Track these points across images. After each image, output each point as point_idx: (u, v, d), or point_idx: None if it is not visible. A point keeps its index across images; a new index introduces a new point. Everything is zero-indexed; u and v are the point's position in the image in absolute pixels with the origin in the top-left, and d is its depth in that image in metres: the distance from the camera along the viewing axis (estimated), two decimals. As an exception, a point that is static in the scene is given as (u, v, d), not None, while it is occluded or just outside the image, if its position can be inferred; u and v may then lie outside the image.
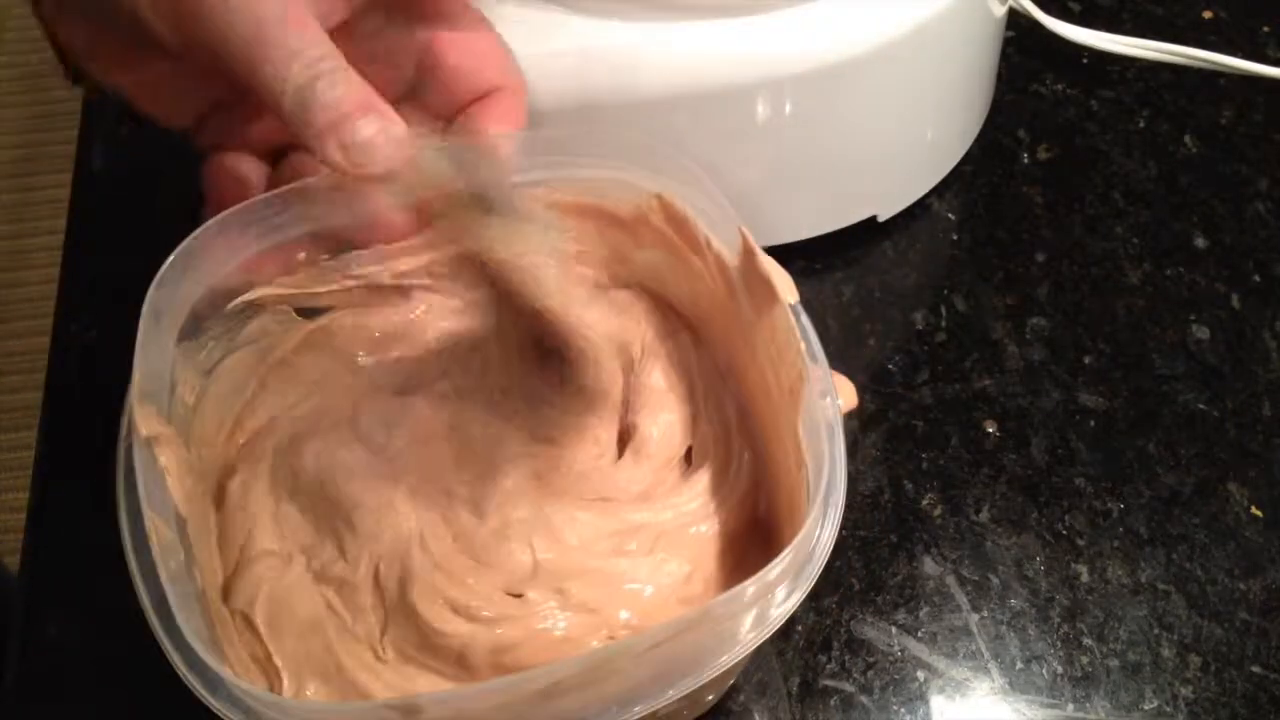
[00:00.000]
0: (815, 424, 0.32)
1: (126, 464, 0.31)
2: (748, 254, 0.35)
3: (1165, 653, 0.41)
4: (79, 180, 0.51)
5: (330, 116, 0.33)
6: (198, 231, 0.34)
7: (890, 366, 0.47)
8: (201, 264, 0.34)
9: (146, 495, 0.30)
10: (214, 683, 0.27)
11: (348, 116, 0.33)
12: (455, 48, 0.37)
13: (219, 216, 0.34)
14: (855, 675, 0.40)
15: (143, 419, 0.31)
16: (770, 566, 0.29)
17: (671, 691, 0.29)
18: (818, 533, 0.31)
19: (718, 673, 0.29)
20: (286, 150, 0.39)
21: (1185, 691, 0.40)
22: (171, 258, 0.33)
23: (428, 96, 0.38)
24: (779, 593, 0.30)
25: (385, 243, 0.38)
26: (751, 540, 0.36)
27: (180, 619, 0.28)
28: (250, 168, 0.38)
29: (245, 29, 0.32)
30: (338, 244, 0.37)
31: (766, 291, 0.35)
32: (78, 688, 0.39)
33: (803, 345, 0.33)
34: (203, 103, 0.38)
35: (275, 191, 0.35)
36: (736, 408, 0.38)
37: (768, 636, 0.30)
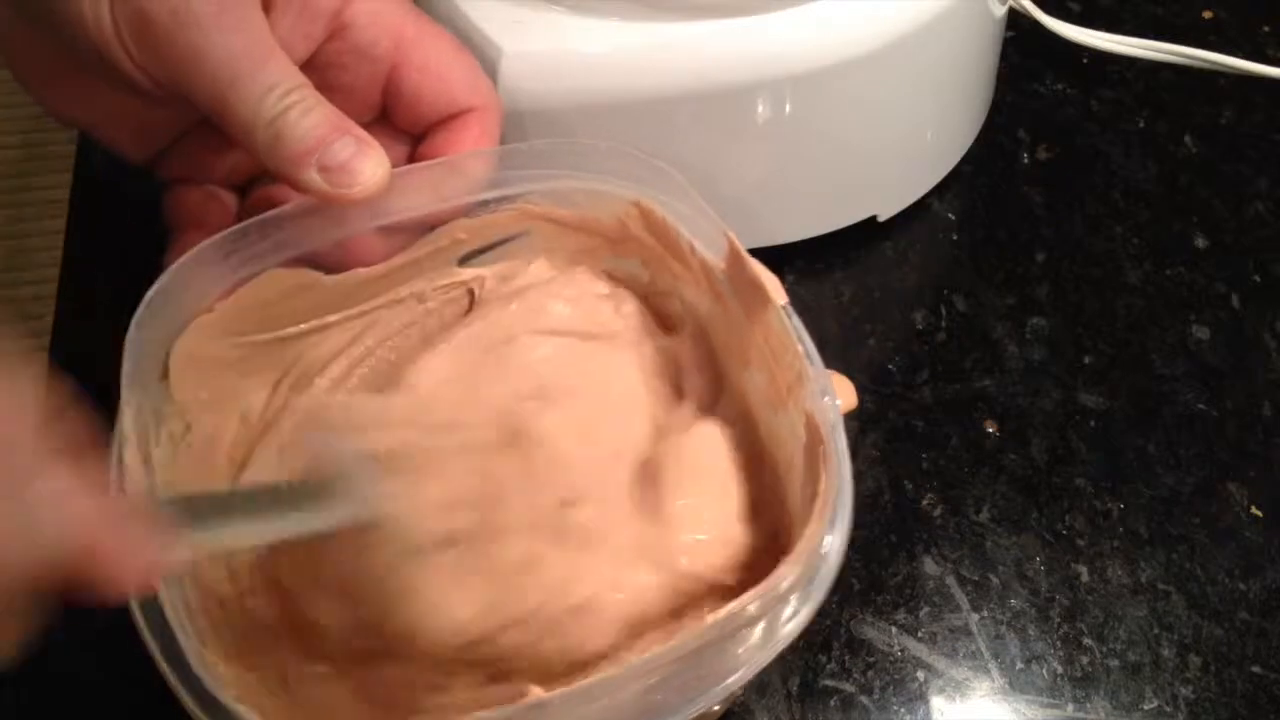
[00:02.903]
0: (816, 424, 0.32)
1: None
2: (735, 258, 0.35)
3: (1165, 653, 0.41)
4: (79, 180, 0.51)
5: (306, 144, 0.33)
6: (176, 264, 0.33)
7: (890, 366, 0.47)
8: (182, 298, 0.34)
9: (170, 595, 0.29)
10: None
11: (323, 141, 0.33)
12: (418, 72, 0.37)
13: (196, 249, 0.34)
14: (855, 675, 0.40)
15: (132, 462, 0.31)
16: (778, 577, 0.29)
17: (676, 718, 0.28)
18: (828, 539, 0.30)
19: (724, 695, 0.29)
20: (253, 182, 0.39)
21: (1185, 691, 0.40)
22: (150, 294, 0.33)
23: (395, 121, 0.38)
24: (792, 601, 0.29)
25: (364, 265, 0.38)
26: (767, 545, 0.36)
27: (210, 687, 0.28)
28: (218, 200, 0.38)
29: (218, 66, 0.32)
30: (316, 269, 0.37)
31: (757, 294, 0.34)
32: (78, 683, 0.39)
33: (799, 346, 0.33)
34: (165, 136, 0.38)
35: (251, 220, 0.35)
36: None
37: (778, 653, 0.29)
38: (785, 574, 0.29)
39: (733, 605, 0.29)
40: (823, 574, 0.30)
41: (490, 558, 0.32)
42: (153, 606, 0.28)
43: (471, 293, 0.40)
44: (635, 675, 0.28)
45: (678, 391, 0.39)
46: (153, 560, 0.26)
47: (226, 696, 0.27)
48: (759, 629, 0.29)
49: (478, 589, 0.32)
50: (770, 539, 0.36)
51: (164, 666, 0.28)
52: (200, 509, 0.29)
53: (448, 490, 0.32)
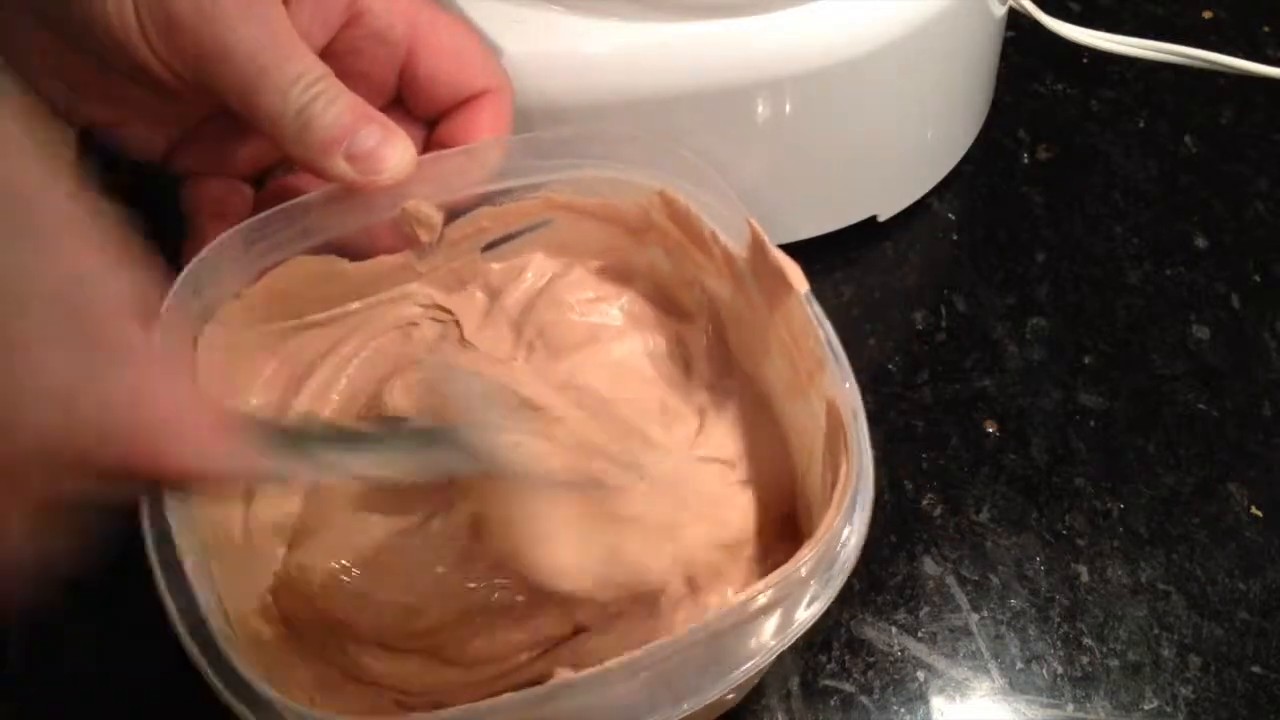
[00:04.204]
0: (838, 411, 0.32)
1: (153, 509, 0.30)
2: (758, 246, 0.35)
3: (1165, 653, 0.41)
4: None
5: (332, 133, 0.33)
6: (203, 253, 0.34)
7: (890, 366, 0.47)
8: (209, 285, 0.34)
9: (182, 542, 0.30)
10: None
11: (349, 130, 0.33)
12: (433, 56, 0.37)
13: (221, 237, 0.34)
14: (855, 675, 0.40)
15: None
16: (799, 559, 0.30)
17: (686, 705, 0.29)
18: (848, 526, 0.31)
19: (743, 678, 0.29)
20: (268, 173, 0.39)
21: (1185, 691, 0.40)
22: (178, 282, 0.33)
23: (411, 105, 0.38)
24: (811, 586, 0.30)
25: (387, 252, 0.38)
26: (783, 533, 0.37)
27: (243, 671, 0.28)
28: (236, 192, 0.38)
29: (244, 59, 0.33)
30: (339, 255, 0.37)
31: (779, 282, 0.35)
32: (80, 682, 0.39)
33: (821, 332, 0.34)
34: (179, 130, 0.38)
35: (276, 209, 0.35)
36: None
37: (797, 637, 0.30)
38: (806, 556, 0.30)
39: (755, 587, 0.29)
40: (842, 559, 0.30)
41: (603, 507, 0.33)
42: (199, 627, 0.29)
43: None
44: (657, 657, 0.29)
45: (687, 373, 0.39)
46: (215, 453, 0.25)
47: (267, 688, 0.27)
48: (777, 615, 0.30)
49: (594, 538, 0.32)
50: (787, 528, 0.37)
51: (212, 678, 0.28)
52: (300, 433, 0.29)
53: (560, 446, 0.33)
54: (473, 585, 0.34)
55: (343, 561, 0.34)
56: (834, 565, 0.30)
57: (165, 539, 0.29)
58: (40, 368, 0.21)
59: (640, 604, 0.34)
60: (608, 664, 0.28)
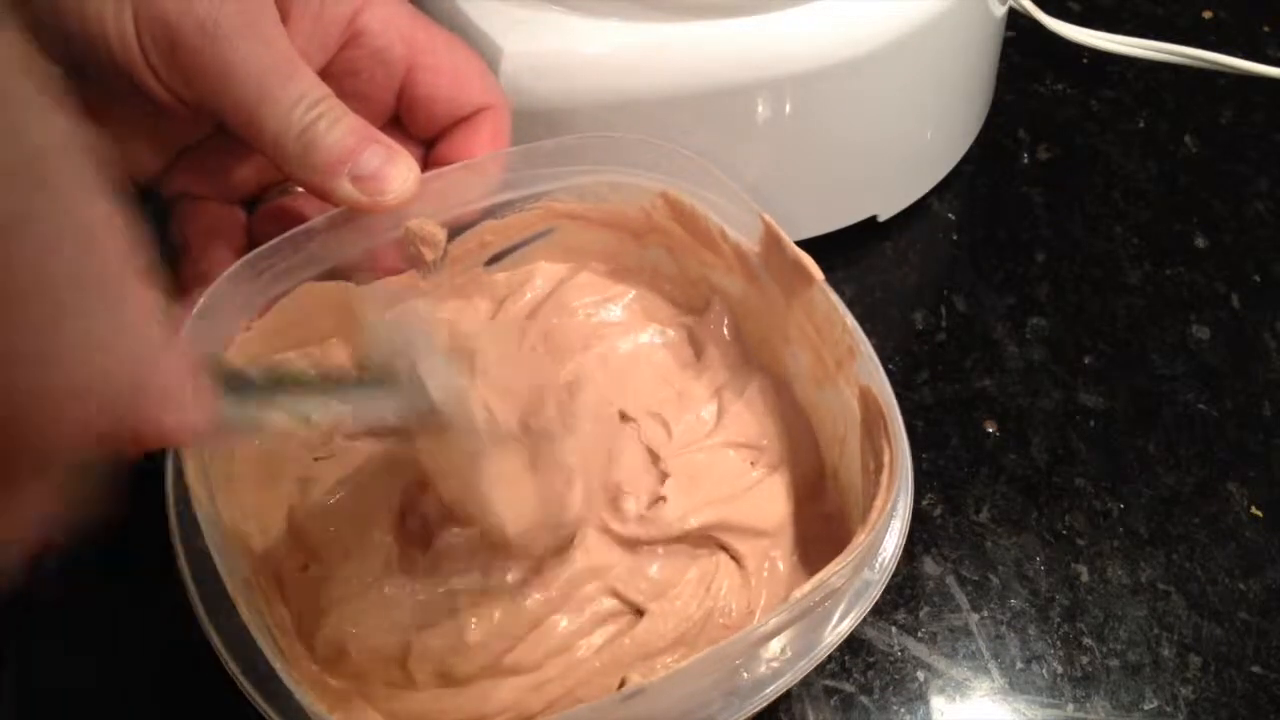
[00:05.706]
0: (875, 398, 0.33)
1: (184, 528, 0.30)
2: (773, 240, 0.35)
3: (1165, 653, 0.41)
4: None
5: (335, 154, 0.33)
6: (212, 285, 0.34)
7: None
8: (220, 318, 0.34)
9: (224, 566, 0.29)
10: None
11: (352, 151, 0.33)
12: (431, 75, 0.37)
13: (230, 269, 0.34)
14: (855, 675, 0.40)
15: (197, 482, 0.31)
16: (855, 544, 0.30)
17: (770, 690, 0.29)
18: (895, 512, 0.31)
19: (816, 664, 0.30)
20: (261, 196, 0.39)
21: (1185, 691, 0.40)
22: (192, 317, 0.33)
23: (409, 124, 0.38)
24: (865, 573, 0.30)
25: (392, 274, 0.38)
26: (815, 519, 0.37)
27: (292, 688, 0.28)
28: (230, 215, 0.38)
29: (246, 80, 0.32)
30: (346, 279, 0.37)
31: (799, 274, 0.35)
32: (82, 685, 0.39)
33: (847, 320, 0.34)
34: (168, 152, 0.38)
35: (281, 237, 0.35)
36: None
37: (821, 659, 0.30)
38: (860, 542, 0.30)
39: (820, 576, 0.30)
40: (894, 543, 0.31)
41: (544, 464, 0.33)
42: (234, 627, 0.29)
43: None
44: (728, 653, 0.29)
45: (702, 362, 0.39)
46: (200, 417, 0.24)
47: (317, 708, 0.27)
48: (842, 601, 0.31)
49: (532, 485, 0.32)
50: (819, 515, 0.37)
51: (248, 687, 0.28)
52: (262, 380, 0.28)
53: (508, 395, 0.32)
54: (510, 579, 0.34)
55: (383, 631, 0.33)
56: (885, 548, 0.31)
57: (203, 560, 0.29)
58: (63, 330, 0.20)
59: (692, 587, 0.34)
60: (675, 668, 0.29)
